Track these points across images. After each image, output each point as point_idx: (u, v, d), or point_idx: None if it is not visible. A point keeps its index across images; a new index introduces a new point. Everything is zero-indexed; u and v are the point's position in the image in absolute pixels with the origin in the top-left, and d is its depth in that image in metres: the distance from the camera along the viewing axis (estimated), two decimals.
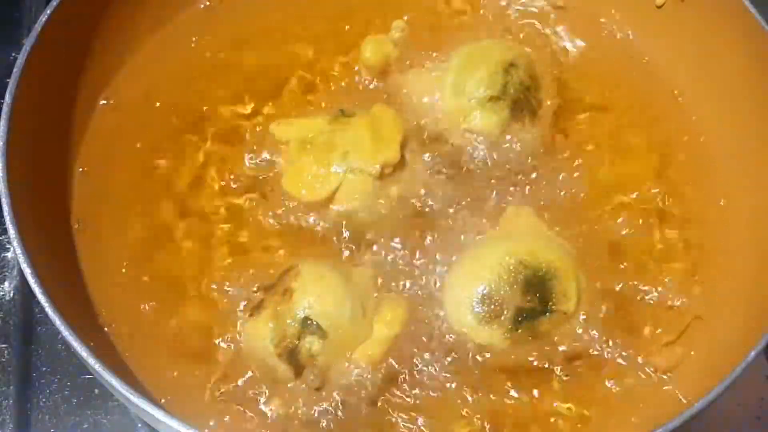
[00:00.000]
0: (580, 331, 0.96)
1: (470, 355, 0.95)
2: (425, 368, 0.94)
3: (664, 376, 0.97)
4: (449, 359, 0.95)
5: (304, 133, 1.02)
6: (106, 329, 0.94)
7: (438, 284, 0.98)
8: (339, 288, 0.92)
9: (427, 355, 0.94)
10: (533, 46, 1.17)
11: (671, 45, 1.17)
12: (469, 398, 0.94)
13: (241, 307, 0.96)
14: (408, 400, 0.94)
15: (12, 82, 0.95)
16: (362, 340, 0.92)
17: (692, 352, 0.98)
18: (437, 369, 0.94)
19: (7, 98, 0.94)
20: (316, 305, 0.90)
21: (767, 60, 1.03)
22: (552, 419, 0.95)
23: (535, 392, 0.96)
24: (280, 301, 0.91)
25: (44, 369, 1.07)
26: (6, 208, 0.89)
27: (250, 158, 1.07)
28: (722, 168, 1.10)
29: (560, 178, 1.07)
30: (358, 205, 1.00)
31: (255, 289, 0.96)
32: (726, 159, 1.10)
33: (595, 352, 0.96)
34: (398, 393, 0.94)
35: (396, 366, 0.93)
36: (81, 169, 1.04)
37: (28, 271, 0.85)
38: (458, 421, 0.93)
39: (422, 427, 0.93)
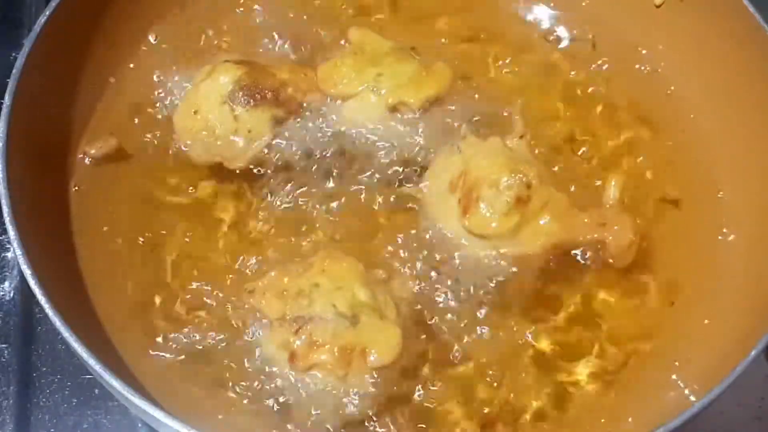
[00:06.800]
0: None
1: None
2: None
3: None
4: None
5: (366, 44, 1.09)
6: (106, 329, 0.94)
7: None
8: None
9: None
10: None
11: (670, 44, 1.17)
12: None
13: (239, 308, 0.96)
14: None
15: (12, 82, 0.95)
16: None
17: (693, 352, 0.98)
18: None
19: (7, 98, 0.94)
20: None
21: (767, 60, 1.04)
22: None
23: None
24: None
25: (44, 369, 1.07)
26: (6, 209, 0.89)
27: None
28: (722, 166, 1.10)
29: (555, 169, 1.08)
30: (360, 120, 1.05)
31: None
32: (725, 157, 1.10)
33: None
34: None
35: None
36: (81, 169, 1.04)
37: (28, 272, 0.86)
38: None
39: None
